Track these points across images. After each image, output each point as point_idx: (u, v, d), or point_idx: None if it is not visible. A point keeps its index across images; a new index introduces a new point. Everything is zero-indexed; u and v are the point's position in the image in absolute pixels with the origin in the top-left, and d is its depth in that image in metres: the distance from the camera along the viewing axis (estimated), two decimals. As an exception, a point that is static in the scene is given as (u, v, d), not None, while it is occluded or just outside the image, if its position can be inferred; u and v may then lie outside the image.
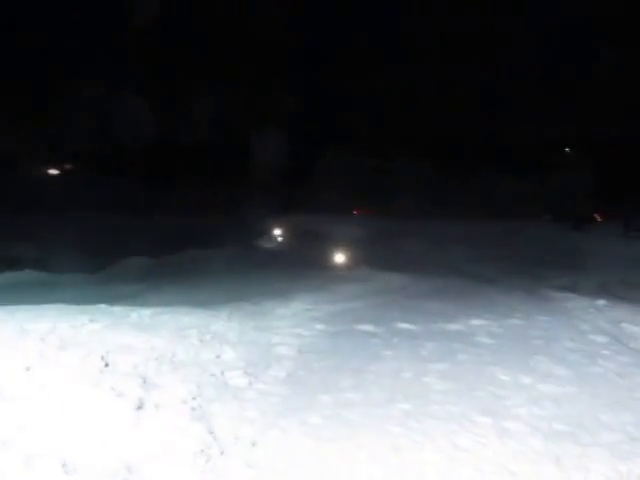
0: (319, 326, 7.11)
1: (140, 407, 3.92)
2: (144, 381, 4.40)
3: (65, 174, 42.97)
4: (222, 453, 3.60)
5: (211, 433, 3.75)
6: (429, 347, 6.44)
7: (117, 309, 6.95)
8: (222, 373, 4.95)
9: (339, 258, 16.06)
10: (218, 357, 5.39)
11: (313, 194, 30.15)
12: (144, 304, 8.78)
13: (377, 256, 17.60)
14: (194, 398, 4.30)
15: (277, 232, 23.68)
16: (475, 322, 7.80)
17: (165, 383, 4.48)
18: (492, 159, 34.82)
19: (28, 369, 4.18)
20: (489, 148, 36.17)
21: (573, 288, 11.84)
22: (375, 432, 4.13)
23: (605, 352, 6.36)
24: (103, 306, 7.17)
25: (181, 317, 6.67)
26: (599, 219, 28.13)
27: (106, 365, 4.52)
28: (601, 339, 6.91)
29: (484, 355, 6.27)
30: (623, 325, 7.62)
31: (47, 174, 43.26)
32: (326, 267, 14.66)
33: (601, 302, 9.20)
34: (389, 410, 4.56)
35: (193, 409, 4.13)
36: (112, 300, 12.06)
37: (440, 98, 38.77)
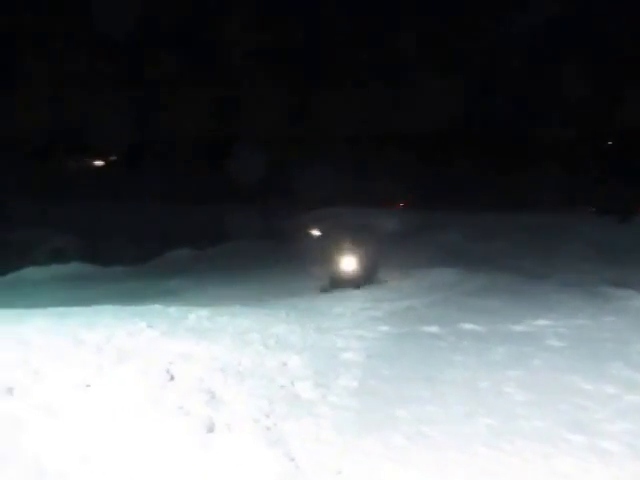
0: (382, 327, 6.58)
1: (211, 429, 3.47)
2: (211, 397, 3.96)
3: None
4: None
5: (292, 460, 3.26)
6: (500, 351, 5.86)
7: (172, 310, 6.55)
8: (292, 384, 4.47)
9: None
10: (284, 365, 4.92)
11: (356, 186, 29.45)
12: (197, 302, 8.43)
13: (422, 250, 16.99)
14: (267, 416, 3.83)
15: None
16: (540, 322, 7.17)
17: (233, 398, 4.02)
18: (539, 153, 33.64)
19: (87, 386, 3.77)
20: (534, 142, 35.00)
21: (630, 285, 11.04)
22: (464, 455, 3.59)
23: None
24: (158, 307, 6.78)
25: (239, 319, 6.22)
26: None
27: (171, 379, 4.08)
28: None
29: (558, 360, 5.66)
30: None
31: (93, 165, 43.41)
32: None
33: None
34: (473, 427, 4.01)
35: (267, 429, 3.66)
36: (161, 295, 11.83)
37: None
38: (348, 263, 11.34)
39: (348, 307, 7.82)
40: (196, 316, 6.16)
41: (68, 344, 4.36)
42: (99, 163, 44.43)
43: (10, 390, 3.48)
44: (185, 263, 18.63)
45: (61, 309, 6.29)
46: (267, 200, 28.50)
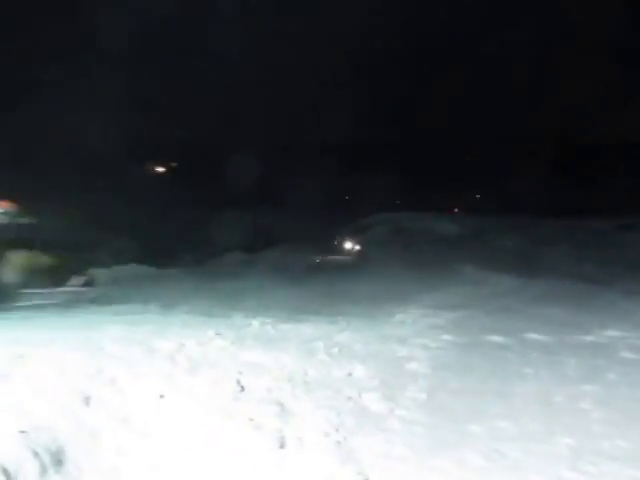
0: (445, 336, 6.34)
1: (282, 444, 3.35)
2: (281, 409, 3.84)
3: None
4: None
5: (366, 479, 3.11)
6: (571, 364, 5.52)
7: (237, 317, 6.50)
8: (359, 395, 4.31)
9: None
10: (350, 375, 4.76)
11: (408, 191, 29.01)
12: (254, 307, 8.39)
13: (478, 255, 16.54)
14: (337, 430, 3.68)
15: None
16: (610, 333, 6.77)
17: (302, 410, 3.89)
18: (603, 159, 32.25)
19: (161, 396, 3.71)
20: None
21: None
22: (547, 479, 3.35)
23: None
24: (224, 313, 6.77)
25: (302, 327, 6.11)
26: None
27: (241, 390, 3.99)
28: None
29: (635, 375, 5.30)
30: None
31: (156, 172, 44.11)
32: (428, 266, 13.81)
33: None
34: (553, 446, 3.74)
35: (338, 444, 3.51)
36: (216, 298, 11.87)
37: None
38: None
39: (408, 314, 7.60)
40: (259, 323, 6.08)
41: (141, 353, 4.33)
42: (160, 168, 45.28)
43: (87, 400, 3.46)
44: (237, 265, 18.75)
45: (131, 316, 6.33)
46: (325, 205, 28.27)
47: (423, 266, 13.65)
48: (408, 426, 3.91)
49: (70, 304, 11.52)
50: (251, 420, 3.58)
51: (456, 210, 28.93)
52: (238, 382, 4.08)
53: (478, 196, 29.29)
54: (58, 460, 2.85)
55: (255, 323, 6.06)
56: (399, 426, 3.89)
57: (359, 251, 20.33)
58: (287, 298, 9.98)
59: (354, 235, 22.21)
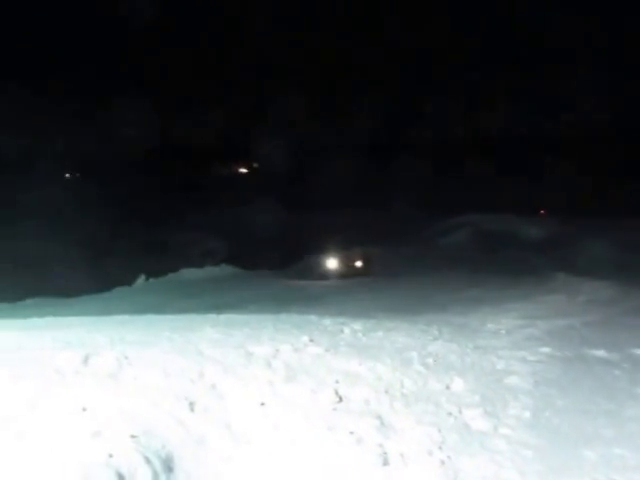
0: (544, 349, 5.96)
1: (386, 462, 3.20)
2: (381, 422, 3.69)
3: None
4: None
5: (476, 506, 2.91)
6: (689, 385, 5.04)
7: (328, 323, 6.39)
8: (460, 411, 4.09)
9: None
10: (448, 388, 4.54)
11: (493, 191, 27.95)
12: (343, 312, 8.29)
13: (569, 260, 15.69)
14: (440, 447, 3.50)
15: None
16: None
17: (402, 425, 3.73)
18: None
19: (262, 404, 3.66)
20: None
21: None
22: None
23: None
24: (314, 318, 6.69)
25: (394, 335, 5.92)
26: None
27: (339, 400, 3.88)
28: None
29: None
30: None
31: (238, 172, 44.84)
32: (517, 272, 13.22)
33: None
34: (680, 480, 3.39)
35: (442, 463, 3.33)
36: (303, 300, 11.86)
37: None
38: None
39: (502, 324, 7.24)
40: (351, 330, 5.95)
41: (238, 358, 4.31)
42: (243, 170, 46.09)
43: (192, 405, 3.46)
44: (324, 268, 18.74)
45: (225, 316, 6.39)
46: (409, 206, 27.77)
47: (511, 272, 13.07)
48: (515, 447, 3.66)
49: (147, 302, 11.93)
50: (351, 433, 3.46)
51: (543, 212, 27.57)
52: (336, 392, 3.97)
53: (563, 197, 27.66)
54: (168, 467, 2.84)
55: (346, 330, 5.94)
56: (505, 447, 3.65)
57: (440, 255, 19.80)
58: (373, 304, 9.84)
59: (437, 237, 21.67)
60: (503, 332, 6.74)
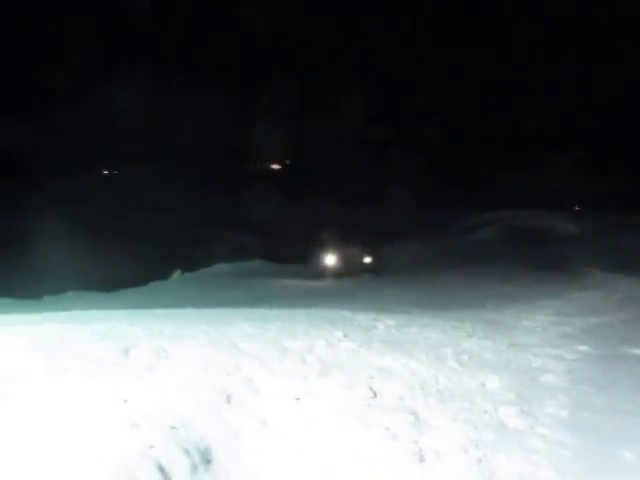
0: (580, 347, 5.83)
1: (422, 458, 3.17)
2: (415, 418, 3.66)
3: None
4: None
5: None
6: None
7: (361, 318, 6.36)
8: (495, 410, 4.02)
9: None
10: (483, 386, 4.48)
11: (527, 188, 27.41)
12: (375, 307, 8.24)
13: (604, 256, 15.29)
14: (475, 445, 3.45)
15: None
16: None
17: (437, 422, 3.69)
18: None
19: (297, 399, 3.66)
20: None
21: None
22: None
23: None
24: (347, 313, 6.66)
25: (428, 331, 5.86)
26: None
27: (374, 396, 3.86)
28: None
29: None
30: None
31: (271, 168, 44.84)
32: (551, 269, 12.94)
33: None
34: None
35: (479, 461, 3.28)
36: (337, 296, 11.83)
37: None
38: None
39: (536, 321, 7.10)
40: (384, 325, 5.92)
41: (274, 352, 4.32)
42: (275, 165, 46.14)
43: (229, 398, 3.48)
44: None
45: (260, 311, 6.42)
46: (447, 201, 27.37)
47: (544, 269, 12.80)
48: (552, 447, 3.58)
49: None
50: (387, 429, 3.43)
51: (577, 207, 26.94)
52: (370, 387, 3.95)
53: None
54: (207, 459, 2.86)
55: (380, 325, 5.91)
56: (542, 446, 3.57)
57: (469, 251, 19.50)
58: (406, 298, 9.77)
59: (466, 233, 21.37)
60: (538, 330, 6.62)
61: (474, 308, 8.38)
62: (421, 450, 3.30)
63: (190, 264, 17.21)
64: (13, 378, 3.38)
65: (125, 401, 3.23)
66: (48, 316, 5.96)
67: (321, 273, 16.25)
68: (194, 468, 2.74)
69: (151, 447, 2.74)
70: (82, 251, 19.76)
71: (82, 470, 2.55)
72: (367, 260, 17.02)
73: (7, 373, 3.46)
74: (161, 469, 2.62)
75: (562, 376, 4.90)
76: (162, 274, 15.97)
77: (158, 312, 6.31)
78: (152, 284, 14.86)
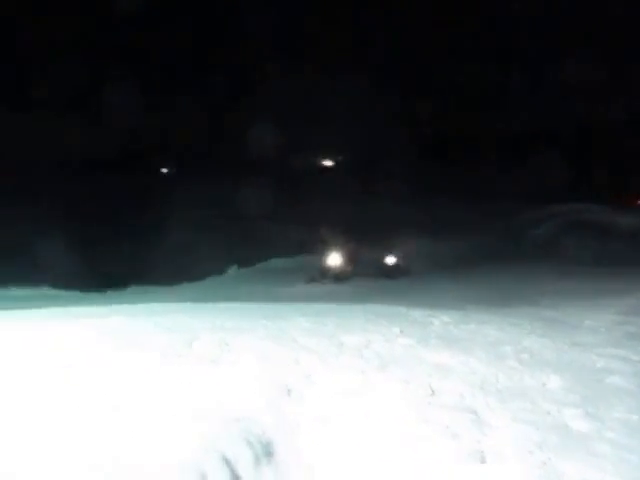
0: (648, 349, 5.57)
1: (483, 459, 3.10)
2: (476, 417, 3.58)
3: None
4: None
5: (583, 512, 2.75)
6: None
7: (417, 314, 6.29)
8: (558, 411, 3.88)
9: (627, 255, 13.58)
10: (544, 385, 4.33)
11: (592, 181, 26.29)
12: (430, 303, 8.13)
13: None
14: (540, 447, 3.34)
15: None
16: None
17: (498, 422, 3.59)
18: None
19: (355, 394, 3.64)
20: None
21: None
22: None
23: None
24: (402, 309, 6.61)
25: (486, 328, 5.73)
26: None
27: (432, 393, 3.80)
28: None
29: None
30: None
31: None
32: (615, 266, 12.42)
33: None
34: None
35: (543, 464, 3.17)
36: (386, 293, 11.74)
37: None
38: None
39: (600, 320, 6.82)
40: (440, 322, 5.82)
41: (331, 347, 4.32)
42: (328, 162, 46.10)
43: (289, 392, 3.50)
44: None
45: (316, 306, 6.45)
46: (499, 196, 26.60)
47: (608, 265, 12.30)
48: (621, 453, 3.42)
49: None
50: (446, 427, 3.37)
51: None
52: (429, 385, 3.89)
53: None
54: (268, 452, 2.89)
55: (436, 322, 5.82)
56: (611, 452, 3.41)
57: (529, 246, 18.96)
58: (460, 295, 9.60)
59: (527, 228, 20.73)
60: (602, 329, 6.35)
61: (532, 305, 8.21)
62: (483, 451, 3.22)
63: (248, 259, 17.49)
64: (85, 365, 3.53)
65: (189, 392, 3.30)
66: (114, 309, 6.18)
67: (378, 272, 16.12)
68: (257, 460, 2.77)
69: (216, 439, 2.78)
70: (141, 248, 20.33)
71: (153, 460, 2.61)
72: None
73: (79, 361, 3.61)
74: (226, 461, 2.66)
75: (629, 378, 4.68)
76: (219, 269, 16.30)
77: (217, 306, 6.44)
78: (209, 279, 15.21)
